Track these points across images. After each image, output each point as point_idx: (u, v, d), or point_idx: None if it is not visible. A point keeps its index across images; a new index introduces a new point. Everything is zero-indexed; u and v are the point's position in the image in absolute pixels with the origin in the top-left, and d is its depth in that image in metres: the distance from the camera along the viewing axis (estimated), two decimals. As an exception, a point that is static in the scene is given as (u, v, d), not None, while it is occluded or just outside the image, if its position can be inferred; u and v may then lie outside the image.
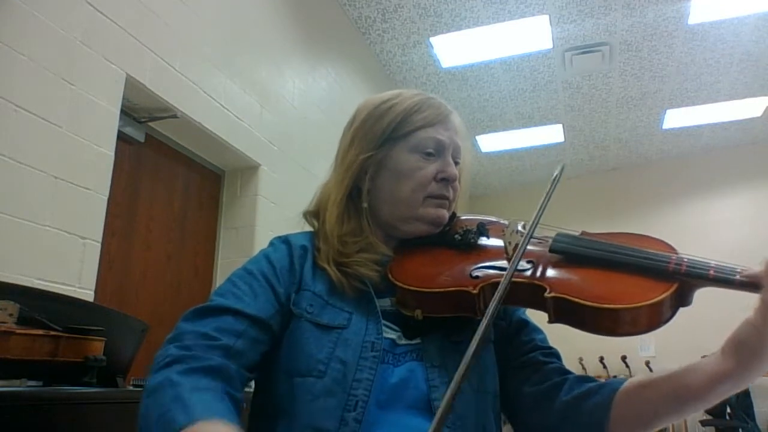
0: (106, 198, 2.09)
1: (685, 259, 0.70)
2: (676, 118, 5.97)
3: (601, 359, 6.24)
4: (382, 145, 0.91)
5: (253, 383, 0.86)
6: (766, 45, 4.73)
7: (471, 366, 0.57)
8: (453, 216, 0.94)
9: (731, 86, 5.36)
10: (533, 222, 0.76)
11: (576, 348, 5.59)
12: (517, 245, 0.79)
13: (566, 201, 6.76)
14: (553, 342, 0.92)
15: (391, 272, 0.85)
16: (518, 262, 0.72)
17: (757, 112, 5.89)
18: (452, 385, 0.54)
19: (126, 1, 2.26)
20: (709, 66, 5.02)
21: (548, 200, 0.78)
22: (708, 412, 5.72)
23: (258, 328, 0.78)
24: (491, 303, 0.66)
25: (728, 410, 5.54)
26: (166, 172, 2.75)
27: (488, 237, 0.88)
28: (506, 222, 0.85)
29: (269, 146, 3.18)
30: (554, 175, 0.80)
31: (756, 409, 5.60)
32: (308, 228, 0.97)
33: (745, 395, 5.54)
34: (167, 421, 0.63)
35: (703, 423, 5.65)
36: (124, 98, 2.23)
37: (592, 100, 5.60)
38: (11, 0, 1.80)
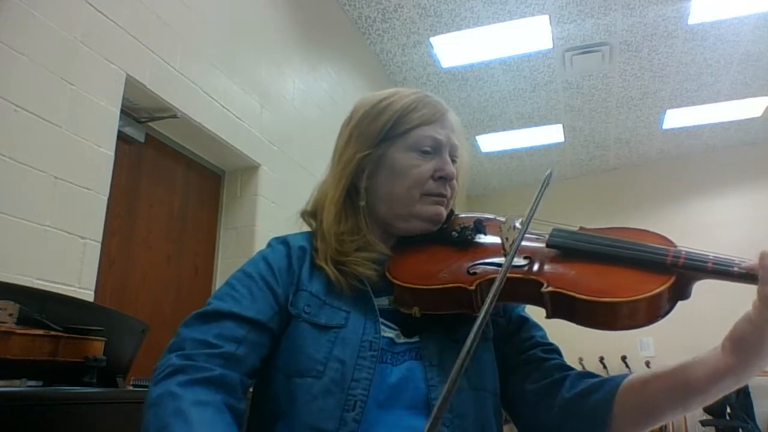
0: (106, 198, 2.09)
1: (683, 252, 0.70)
2: (676, 118, 5.97)
3: (601, 359, 6.24)
4: (379, 143, 0.90)
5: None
6: (766, 45, 4.72)
7: (467, 364, 0.56)
8: (451, 214, 0.94)
9: (731, 86, 5.36)
10: (528, 218, 0.76)
11: (576, 348, 5.59)
12: (514, 241, 0.79)
13: (566, 201, 6.76)
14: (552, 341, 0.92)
15: (388, 270, 0.85)
16: (513, 259, 0.72)
17: (757, 112, 5.89)
18: (447, 383, 0.53)
19: (126, 1, 2.26)
20: (709, 66, 5.02)
21: (541, 196, 0.78)
22: (708, 411, 5.72)
23: (258, 331, 0.78)
24: (487, 299, 0.66)
25: (728, 410, 5.54)
26: (166, 172, 2.75)
27: (485, 234, 0.88)
28: (503, 218, 0.85)
29: (269, 146, 3.18)
30: (545, 177, 0.80)
31: (756, 409, 5.60)
32: (307, 228, 0.97)
33: (745, 395, 5.54)
34: None
35: (703, 423, 5.65)
36: (124, 98, 2.23)
37: (592, 100, 5.60)
38: (11, 0, 1.80)
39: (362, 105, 0.95)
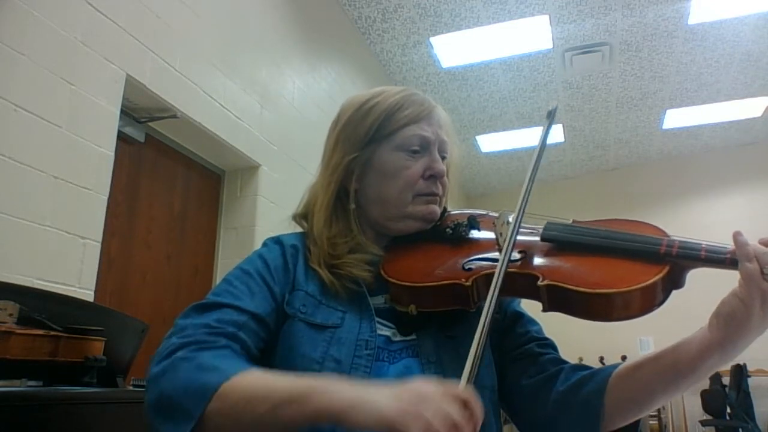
0: (106, 198, 2.09)
1: (677, 241, 0.71)
2: (676, 118, 5.97)
3: (601, 359, 6.24)
4: (366, 145, 0.89)
5: None
6: (766, 45, 4.73)
7: (477, 362, 0.57)
8: (444, 211, 0.94)
9: (731, 86, 5.36)
10: (520, 209, 0.76)
11: (576, 347, 5.58)
12: (511, 233, 0.79)
13: (566, 201, 6.77)
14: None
15: (383, 269, 0.85)
16: (509, 253, 0.73)
17: (757, 112, 5.89)
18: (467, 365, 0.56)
19: (126, 1, 2.26)
20: (709, 66, 5.02)
21: (531, 184, 0.79)
22: (708, 411, 5.72)
23: (257, 323, 0.78)
24: (488, 297, 0.66)
25: (728, 410, 5.54)
26: (166, 172, 2.75)
27: (479, 229, 0.88)
28: (497, 214, 0.85)
29: (269, 146, 3.18)
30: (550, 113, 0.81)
31: (756, 409, 5.60)
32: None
33: (746, 395, 5.54)
34: (199, 388, 0.63)
35: (703, 423, 5.65)
36: (124, 98, 2.23)
37: (592, 100, 5.60)
38: (11, 0, 1.80)
39: (348, 107, 0.94)
